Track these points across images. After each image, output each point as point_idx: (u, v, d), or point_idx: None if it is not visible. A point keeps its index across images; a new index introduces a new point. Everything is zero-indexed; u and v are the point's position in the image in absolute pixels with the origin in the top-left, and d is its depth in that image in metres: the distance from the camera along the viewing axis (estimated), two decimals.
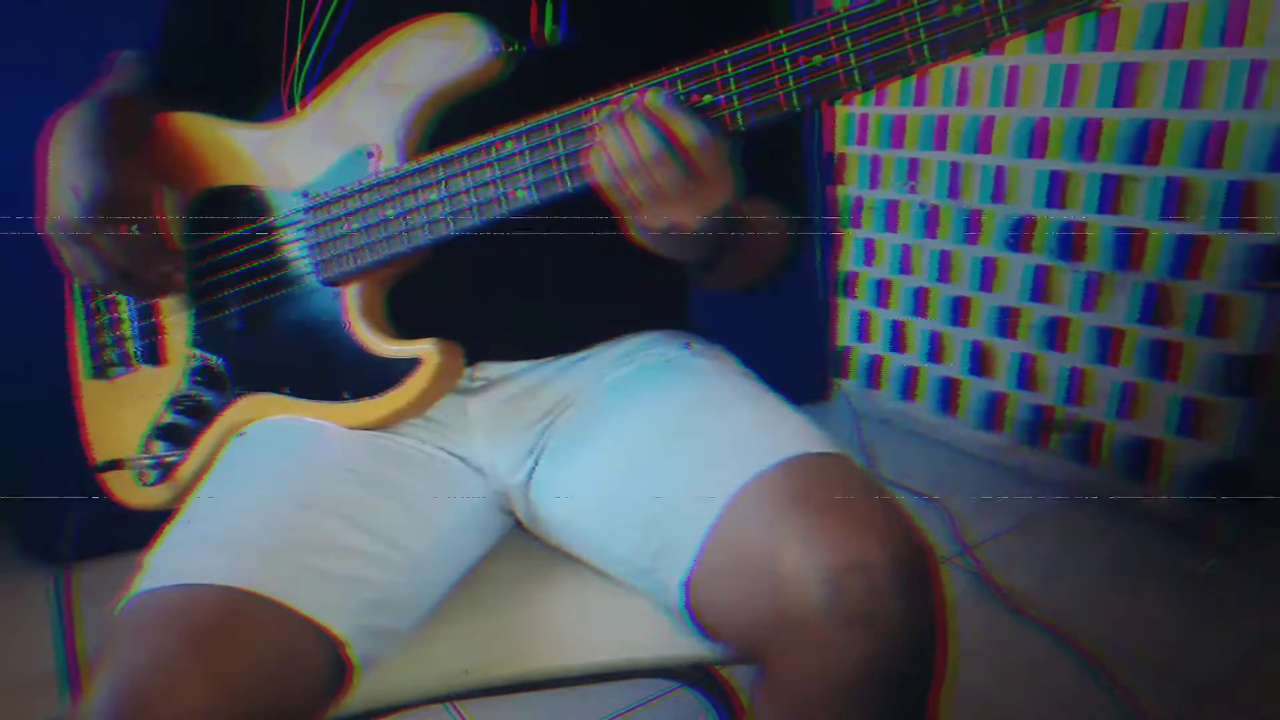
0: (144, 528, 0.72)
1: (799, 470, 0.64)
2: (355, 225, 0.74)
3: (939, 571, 0.61)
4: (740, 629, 0.64)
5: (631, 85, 0.65)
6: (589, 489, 0.76)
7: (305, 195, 0.76)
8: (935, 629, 0.60)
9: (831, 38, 0.60)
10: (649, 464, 0.73)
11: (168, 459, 0.83)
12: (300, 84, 0.80)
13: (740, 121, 0.63)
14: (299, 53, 0.80)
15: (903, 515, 0.62)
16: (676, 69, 0.64)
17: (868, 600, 0.57)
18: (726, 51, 0.62)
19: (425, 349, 0.74)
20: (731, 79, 0.62)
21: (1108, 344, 1.91)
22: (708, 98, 0.63)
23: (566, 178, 0.68)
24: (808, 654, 0.59)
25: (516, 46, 0.71)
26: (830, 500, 0.61)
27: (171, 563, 0.65)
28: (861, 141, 2.37)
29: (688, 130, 0.61)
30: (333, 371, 0.77)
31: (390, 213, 0.73)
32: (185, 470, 0.83)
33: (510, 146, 0.69)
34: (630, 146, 0.62)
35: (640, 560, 0.71)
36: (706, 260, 0.72)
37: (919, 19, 0.58)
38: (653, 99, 0.62)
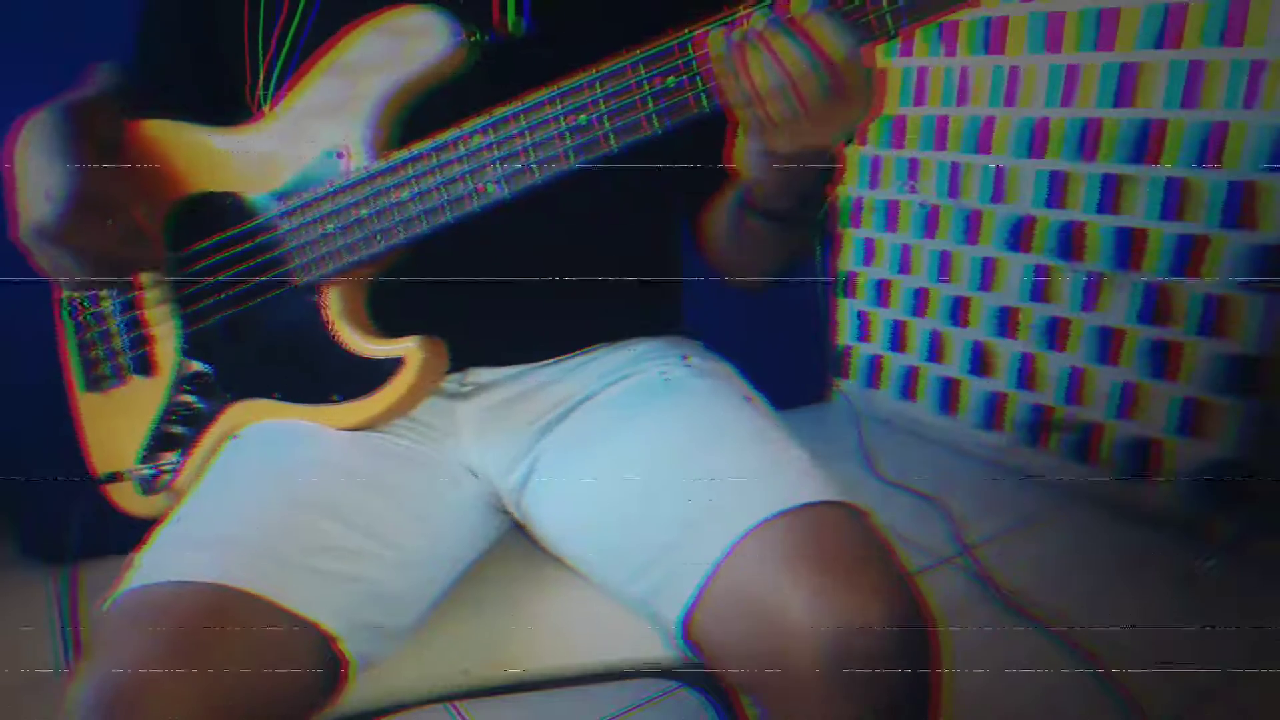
0: (145, 528, 0.72)
1: (800, 522, 0.64)
2: (330, 227, 0.74)
3: (936, 623, 0.62)
4: (740, 670, 0.65)
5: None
6: (583, 510, 0.76)
7: (279, 199, 0.76)
8: (933, 684, 0.61)
9: None
10: (646, 495, 0.72)
11: (166, 468, 0.83)
12: (270, 86, 0.79)
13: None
14: (267, 55, 0.79)
15: (901, 570, 0.63)
16: None
17: (870, 661, 0.58)
18: None
19: (408, 347, 0.74)
20: None
21: (1108, 344, 1.91)
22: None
23: (535, 169, 0.68)
24: (809, 704, 0.59)
25: (478, 36, 0.70)
26: (832, 556, 0.61)
27: (162, 560, 0.65)
28: (861, 141, 2.37)
29: (836, 41, 0.57)
30: (319, 374, 0.77)
31: (364, 213, 0.72)
32: (184, 478, 0.83)
33: (477, 140, 0.68)
34: (777, 66, 0.58)
35: (634, 589, 0.71)
36: (804, 201, 0.69)
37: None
38: (798, 8, 0.58)
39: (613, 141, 0.66)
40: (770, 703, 0.63)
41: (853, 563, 0.61)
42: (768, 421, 0.77)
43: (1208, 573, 1.70)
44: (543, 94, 0.66)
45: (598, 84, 0.65)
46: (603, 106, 0.65)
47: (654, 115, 0.65)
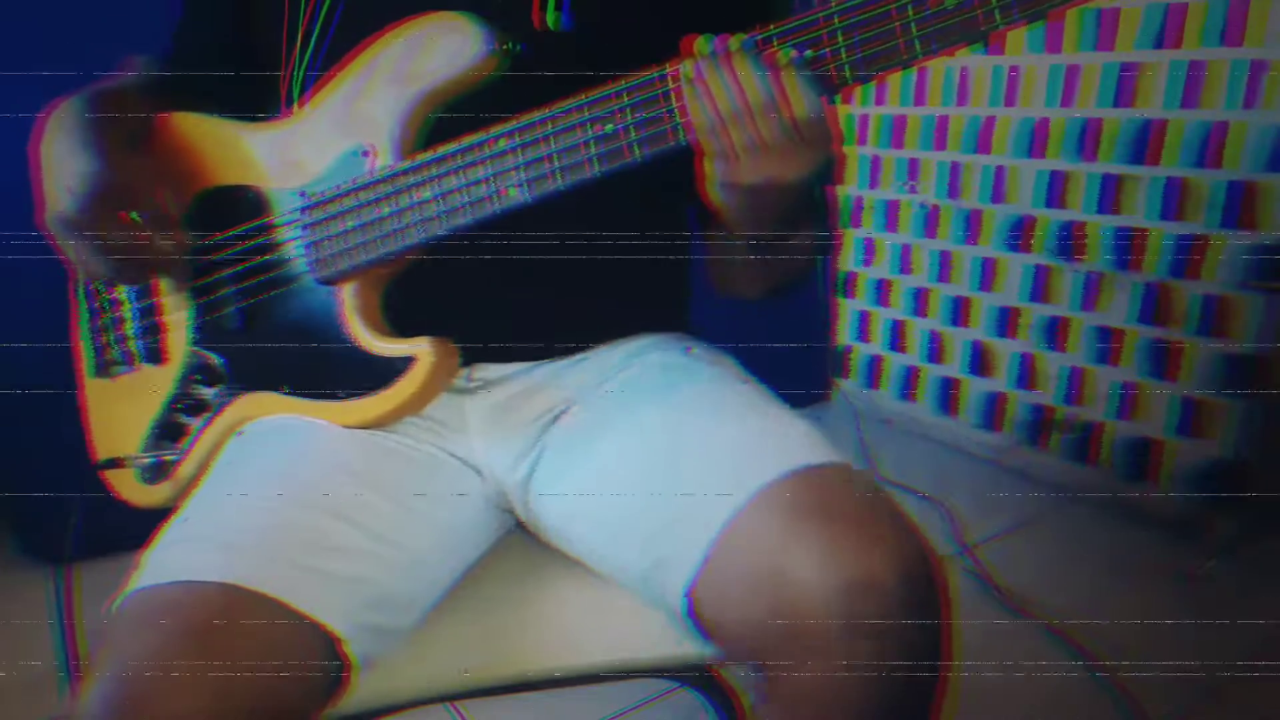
0: (144, 527, 0.72)
1: (806, 482, 0.64)
2: (350, 224, 0.74)
3: (946, 580, 0.61)
4: (745, 637, 0.64)
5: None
6: (587, 494, 0.76)
7: (302, 195, 0.77)
8: (942, 638, 0.61)
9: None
10: (651, 473, 0.72)
11: (168, 457, 0.83)
12: (299, 83, 0.80)
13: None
14: (297, 51, 0.80)
15: (910, 526, 0.62)
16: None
17: (877, 616, 0.57)
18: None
19: (420, 348, 0.74)
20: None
21: (1108, 344, 1.91)
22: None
23: (558, 175, 0.68)
24: (816, 665, 0.59)
25: (511, 45, 0.71)
26: (839, 514, 0.61)
27: (168, 560, 0.65)
28: (862, 141, 2.37)
29: (797, 88, 0.59)
30: (329, 370, 0.77)
31: (384, 211, 0.73)
32: (186, 468, 0.83)
33: (502, 144, 0.69)
34: (736, 92, 0.60)
35: (639, 567, 0.71)
36: (779, 233, 0.70)
37: (910, 12, 0.58)
38: (783, 58, 0.60)
39: (637, 151, 0.66)
40: (777, 665, 0.62)
41: (860, 518, 0.61)
42: (768, 398, 0.78)
43: (1208, 573, 1.70)
44: (569, 102, 0.66)
45: (624, 94, 0.65)
46: (629, 116, 0.66)
47: (680, 127, 0.65)
